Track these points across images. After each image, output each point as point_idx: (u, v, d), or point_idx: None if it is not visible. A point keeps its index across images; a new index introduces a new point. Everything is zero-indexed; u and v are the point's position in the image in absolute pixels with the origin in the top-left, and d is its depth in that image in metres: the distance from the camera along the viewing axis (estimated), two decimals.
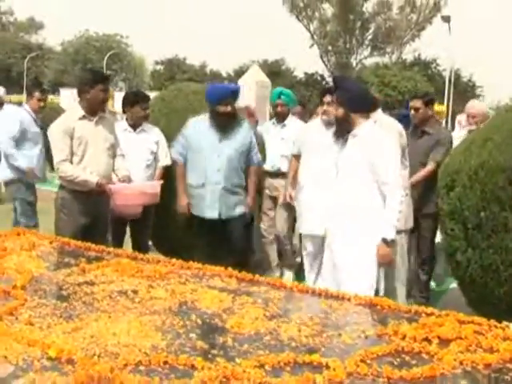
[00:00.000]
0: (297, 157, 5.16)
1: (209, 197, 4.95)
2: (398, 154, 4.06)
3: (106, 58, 51.78)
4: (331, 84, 4.93)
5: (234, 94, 5.03)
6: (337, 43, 55.99)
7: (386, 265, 3.91)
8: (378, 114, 4.92)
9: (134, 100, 5.51)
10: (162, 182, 5.10)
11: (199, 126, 5.07)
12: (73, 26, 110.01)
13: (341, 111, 4.00)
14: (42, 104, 6.62)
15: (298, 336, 2.48)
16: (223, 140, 4.98)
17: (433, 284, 6.20)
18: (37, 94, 6.63)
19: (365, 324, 2.70)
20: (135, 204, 4.92)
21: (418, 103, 5.67)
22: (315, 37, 55.86)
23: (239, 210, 5.08)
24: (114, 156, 4.83)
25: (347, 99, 3.98)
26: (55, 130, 4.66)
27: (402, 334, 2.53)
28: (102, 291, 2.97)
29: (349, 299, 3.03)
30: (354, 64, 55.76)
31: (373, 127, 4.00)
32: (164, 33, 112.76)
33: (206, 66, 62.82)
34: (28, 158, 6.47)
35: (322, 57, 55.76)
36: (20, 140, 6.43)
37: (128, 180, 4.80)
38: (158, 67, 63.60)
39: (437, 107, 6.42)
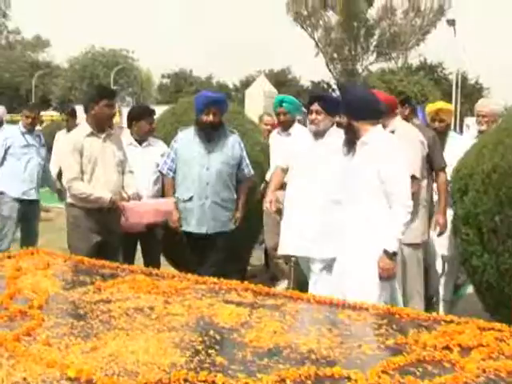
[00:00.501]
0: (284, 170, 4.82)
1: (197, 211, 4.91)
2: (408, 163, 3.95)
3: (112, 73, 52.04)
4: (318, 92, 4.97)
5: (217, 103, 4.94)
6: (342, 50, 55.99)
7: (387, 277, 3.75)
8: (397, 122, 4.84)
9: (139, 114, 5.52)
10: (174, 199, 5.00)
11: (187, 138, 5.05)
12: (79, 43, 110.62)
13: (344, 120, 3.98)
14: (29, 121, 6.63)
15: (317, 348, 2.46)
16: (211, 152, 4.94)
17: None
18: (24, 112, 6.73)
19: (384, 334, 2.67)
20: (148, 222, 4.88)
21: None
22: (320, 45, 55.90)
23: (229, 225, 5.04)
24: (123, 172, 4.82)
25: (348, 107, 3.94)
26: (64, 148, 4.66)
27: (422, 343, 2.51)
28: (119, 308, 2.96)
29: (367, 309, 3.01)
30: (360, 70, 55.72)
31: (381, 134, 3.90)
32: (170, 46, 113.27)
33: (213, 77, 62.97)
34: (7, 173, 6.51)
35: (327, 65, 55.78)
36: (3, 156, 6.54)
37: (138, 198, 4.76)
38: (165, 81, 63.81)
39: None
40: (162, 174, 5.23)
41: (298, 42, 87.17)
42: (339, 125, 4.78)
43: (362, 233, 3.76)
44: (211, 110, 4.87)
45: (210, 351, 2.42)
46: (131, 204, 4.64)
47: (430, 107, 5.97)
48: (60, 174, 6.92)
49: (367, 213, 3.76)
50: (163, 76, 64.15)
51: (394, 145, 3.86)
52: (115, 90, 5.09)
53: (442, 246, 5.34)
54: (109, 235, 4.69)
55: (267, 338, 2.56)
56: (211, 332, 2.64)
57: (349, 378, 2.16)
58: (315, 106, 4.56)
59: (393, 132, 4.54)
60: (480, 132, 5.77)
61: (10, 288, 3.25)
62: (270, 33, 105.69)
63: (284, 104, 5.98)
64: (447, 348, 2.47)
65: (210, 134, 4.94)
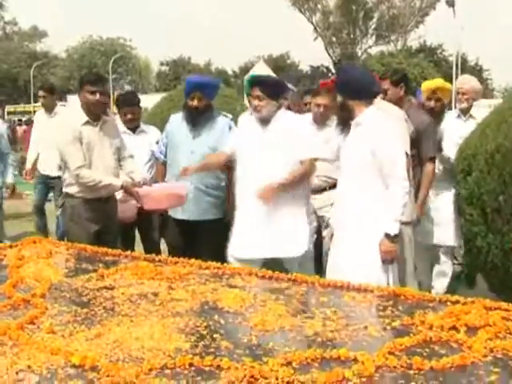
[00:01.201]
0: (224, 153, 4.56)
1: None
2: (403, 143, 3.92)
3: (111, 61, 51.87)
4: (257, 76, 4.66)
5: (201, 87, 4.86)
6: (341, 34, 55.81)
7: (390, 261, 3.68)
8: (377, 101, 4.73)
9: (121, 102, 5.57)
10: (188, 183, 4.73)
11: (176, 122, 5.01)
12: (76, 32, 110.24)
13: (339, 99, 3.86)
14: None
15: (323, 331, 2.45)
16: (196, 137, 4.87)
17: None
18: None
19: (390, 315, 2.65)
20: (164, 207, 4.78)
21: (385, 84, 5.01)
22: (319, 29, 55.70)
23: (213, 213, 4.88)
24: (119, 160, 4.76)
25: (344, 85, 3.83)
26: (64, 138, 4.60)
27: (428, 324, 2.49)
28: (122, 295, 2.95)
29: (372, 291, 2.99)
30: (360, 54, 55.53)
31: (376, 115, 3.79)
32: (167, 34, 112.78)
33: (211, 64, 62.75)
34: None
35: (326, 49, 55.61)
36: None
37: (148, 183, 4.69)
38: (164, 68, 63.64)
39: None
40: (156, 159, 5.24)
41: (296, 26, 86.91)
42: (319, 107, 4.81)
43: (359, 214, 3.69)
44: (196, 94, 4.81)
45: (214, 336, 2.40)
46: (146, 190, 4.53)
47: (426, 85, 5.48)
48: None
49: (363, 193, 3.69)
50: (162, 63, 63.98)
51: (390, 125, 3.78)
52: (99, 75, 4.80)
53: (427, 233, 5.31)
54: (107, 223, 4.66)
55: (272, 321, 2.54)
56: (216, 316, 2.63)
57: (355, 360, 2.14)
58: (256, 92, 4.28)
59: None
60: (461, 110, 5.53)
61: (12, 277, 3.25)
62: (268, 18, 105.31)
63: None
64: (454, 328, 2.45)
65: (196, 119, 4.87)
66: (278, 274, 3.28)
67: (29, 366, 2.11)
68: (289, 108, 5.09)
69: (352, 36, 55.85)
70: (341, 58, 53.69)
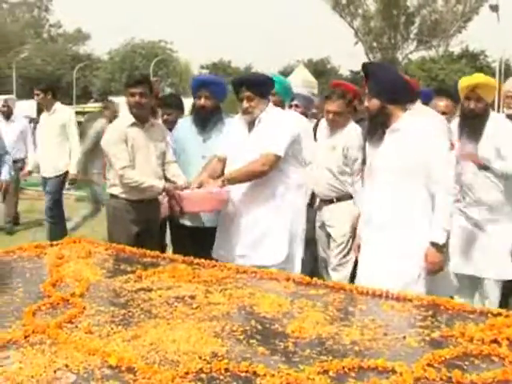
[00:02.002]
0: (220, 160, 4.40)
1: None
2: (448, 149, 3.77)
3: (152, 64, 52.45)
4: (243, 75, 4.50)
5: (207, 85, 4.75)
6: (381, 39, 55.43)
7: (436, 272, 3.53)
8: (418, 106, 4.54)
9: (159, 104, 5.58)
10: (229, 188, 4.49)
11: (185, 126, 4.93)
12: (118, 35, 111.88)
13: (376, 103, 3.58)
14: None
15: (361, 340, 2.41)
16: (207, 140, 4.78)
17: None
18: None
19: (429, 326, 2.60)
20: (203, 211, 4.66)
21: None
22: (359, 34, 55.41)
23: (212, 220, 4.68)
24: (163, 164, 4.76)
25: (383, 88, 3.56)
26: (110, 139, 4.65)
27: (469, 336, 2.43)
28: (160, 297, 2.95)
29: (410, 300, 2.94)
30: (400, 59, 55.04)
31: (416, 120, 3.63)
32: (208, 37, 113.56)
33: (251, 68, 62.88)
34: None
35: (367, 54, 55.24)
36: None
37: (191, 186, 4.53)
38: (204, 71, 64.05)
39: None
40: None
41: (336, 31, 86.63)
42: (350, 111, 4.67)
43: (402, 223, 3.55)
44: (202, 93, 4.72)
45: (251, 341, 2.39)
46: (186, 193, 4.47)
47: (465, 81, 4.50)
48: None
49: (405, 202, 3.53)
50: (202, 67, 64.49)
51: (435, 130, 3.64)
52: (140, 77, 4.72)
53: None
54: (149, 226, 4.70)
55: (309, 328, 2.51)
56: (252, 322, 2.61)
57: (393, 371, 2.10)
58: (245, 93, 4.07)
59: None
60: (508, 116, 5.09)
61: (52, 276, 3.28)
62: (308, 22, 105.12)
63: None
64: (495, 341, 2.38)
65: (205, 120, 4.77)
66: (316, 281, 3.25)
67: (66, 365, 2.12)
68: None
69: (393, 41, 55.40)
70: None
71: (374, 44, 55.67)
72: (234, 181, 4.08)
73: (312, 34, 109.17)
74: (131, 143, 4.56)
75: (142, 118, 4.64)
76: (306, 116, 5.46)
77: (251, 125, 4.17)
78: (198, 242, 4.63)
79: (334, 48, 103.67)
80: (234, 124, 4.39)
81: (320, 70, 52.17)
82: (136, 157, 4.58)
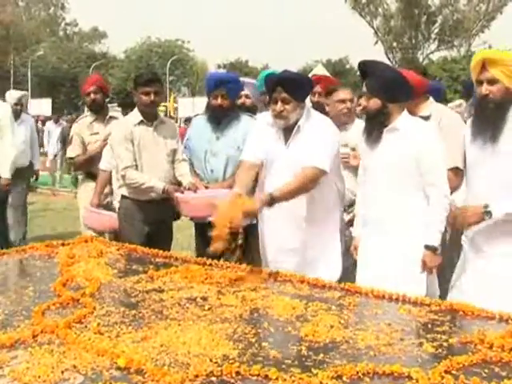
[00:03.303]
0: (251, 167, 3.89)
1: None
2: (450, 151, 3.58)
3: (168, 63, 52.69)
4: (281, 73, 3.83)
5: (224, 83, 4.64)
6: (402, 39, 55.20)
7: (431, 273, 3.50)
8: (433, 105, 4.29)
9: None
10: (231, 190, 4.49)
11: (199, 124, 4.86)
12: (135, 34, 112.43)
13: (376, 102, 3.49)
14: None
15: (376, 345, 2.38)
16: (221, 138, 4.71)
17: None
18: None
19: (447, 331, 2.56)
20: (203, 215, 4.39)
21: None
22: (379, 33, 55.23)
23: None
24: (173, 162, 4.75)
25: (384, 87, 3.47)
26: (116, 137, 4.66)
27: (488, 343, 2.38)
28: (171, 298, 2.94)
29: (428, 304, 2.90)
30: (421, 59, 54.74)
31: (415, 120, 3.58)
32: (226, 36, 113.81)
33: (269, 68, 62.91)
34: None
35: (386, 53, 55.06)
36: None
37: (194, 188, 4.56)
38: (221, 71, 64.26)
39: None
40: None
41: (356, 30, 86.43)
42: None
43: (396, 224, 3.51)
44: (219, 92, 4.63)
45: (263, 344, 2.37)
46: (186, 196, 4.46)
47: (473, 59, 3.40)
48: None
49: (403, 204, 3.49)
50: (219, 66, 64.61)
51: (433, 132, 3.55)
52: (152, 75, 4.80)
53: None
54: (160, 226, 4.70)
55: (323, 332, 2.49)
56: (265, 324, 2.59)
57: (409, 377, 2.07)
58: (281, 94, 3.69)
59: (428, 118, 4.14)
60: None
61: (63, 275, 3.29)
62: (327, 22, 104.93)
63: None
64: None
65: (220, 118, 4.70)
66: (331, 283, 3.22)
67: (74, 366, 2.12)
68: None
69: (413, 41, 55.16)
70: (401, 64, 53.00)
71: (394, 44, 55.45)
72: (282, 199, 3.60)
73: (331, 33, 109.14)
74: (138, 142, 4.57)
75: (151, 116, 4.65)
76: (257, 108, 5.10)
77: (287, 132, 3.79)
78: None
79: (353, 48, 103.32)
80: (260, 125, 3.98)
81: (339, 70, 52.08)
82: (143, 156, 4.59)
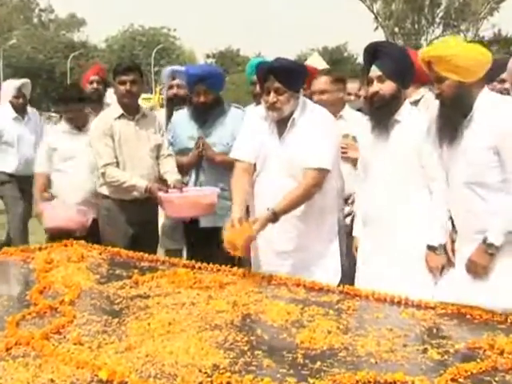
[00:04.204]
0: (246, 169, 3.84)
1: None
2: None
3: (153, 53, 52.69)
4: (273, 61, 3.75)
5: (204, 80, 4.58)
6: (404, 24, 55.23)
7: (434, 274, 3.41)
8: (424, 92, 4.36)
9: None
10: (218, 190, 4.50)
11: (182, 121, 4.82)
12: (117, 21, 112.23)
13: (391, 86, 3.40)
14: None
15: (377, 351, 2.39)
16: (208, 136, 4.67)
17: None
18: None
19: (454, 336, 2.58)
20: (188, 216, 4.53)
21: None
22: (380, 18, 55.27)
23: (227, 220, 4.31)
24: (157, 157, 4.73)
25: (401, 69, 3.40)
26: (94, 132, 4.65)
27: (499, 349, 2.40)
28: (157, 305, 2.94)
29: (433, 308, 2.92)
30: (425, 45, 54.82)
31: (413, 110, 3.57)
32: (215, 23, 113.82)
33: (262, 57, 62.91)
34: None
35: (387, 40, 55.14)
36: None
37: (180, 186, 4.53)
38: (210, 61, 64.26)
39: None
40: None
41: (355, 15, 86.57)
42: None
43: (398, 223, 3.48)
44: (200, 88, 4.60)
45: (256, 352, 2.38)
46: (170, 195, 4.42)
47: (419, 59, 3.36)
48: None
49: (404, 202, 3.46)
50: (208, 56, 64.74)
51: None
52: (132, 64, 4.86)
53: None
54: (146, 227, 4.69)
55: (321, 338, 2.50)
56: (258, 331, 2.60)
57: None
58: (273, 83, 3.64)
59: (417, 102, 4.14)
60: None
61: (39, 282, 3.29)
62: (324, 6, 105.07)
63: None
64: None
65: (205, 116, 4.68)
66: (329, 286, 3.23)
67: (52, 380, 2.11)
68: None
69: (416, 26, 55.20)
70: None
71: (396, 29, 55.45)
72: (286, 211, 3.59)
73: (328, 19, 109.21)
74: (118, 137, 4.55)
75: (131, 108, 4.63)
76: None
77: (281, 125, 3.75)
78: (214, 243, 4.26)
79: (351, 34, 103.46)
80: (251, 119, 3.97)
81: (336, 58, 52.17)
82: (124, 152, 4.57)
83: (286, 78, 3.64)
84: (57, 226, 4.61)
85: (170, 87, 5.37)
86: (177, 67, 5.60)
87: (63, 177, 4.94)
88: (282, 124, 3.74)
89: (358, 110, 4.82)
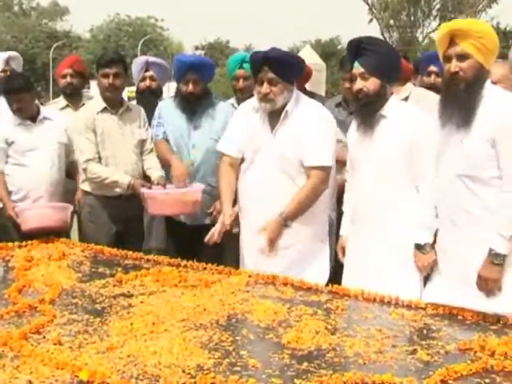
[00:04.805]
0: (233, 164, 3.90)
1: None
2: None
3: (140, 44, 52.49)
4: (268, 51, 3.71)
5: (195, 68, 4.52)
6: (400, 16, 55.26)
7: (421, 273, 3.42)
8: (409, 86, 4.45)
9: None
10: (203, 187, 4.47)
11: (169, 111, 4.71)
12: (101, 10, 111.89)
13: (375, 82, 3.42)
14: None
15: (365, 352, 2.41)
16: (197, 128, 4.61)
17: None
18: None
19: (444, 337, 2.61)
20: (172, 214, 4.52)
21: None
22: (374, 10, 55.30)
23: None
24: (141, 153, 4.71)
25: (386, 65, 3.42)
26: (76, 127, 4.63)
27: (489, 350, 2.43)
28: (141, 304, 2.96)
29: (424, 308, 2.95)
30: (421, 39, 54.95)
31: (401, 104, 3.59)
32: (203, 14, 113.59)
33: (252, 49, 62.83)
34: None
35: (382, 33, 55.01)
36: None
37: (163, 183, 4.49)
38: (199, 52, 64.09)
39: None
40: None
41: (349, 7, 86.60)
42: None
43: (387, 220, 3.48)
44: (190, 77, 4.53)
45: (241, 352, 2.39)
46: (153, 192, 4.40)
47: (439, 31, 3.26)
48: None
49: (396, 199, 3.48)
50: (197, 48, 64.54)
51: (424, 118, 3.47)
52: (115, 55, 4.76)
53: None
54: (130, 224, 4.68)
55: (308, 339, 2.52)
56: (244, 331, 2.62)
57: None
58: (267, 74, 3.64)
59: (406, 99, 4.19)
60: None
61: (19, 280, 3.29)
62: None
63: (246, 65, 4.85)
64: None
65: (193, 107, 4.61)
66: (317, 286, 3.25)
67: (30, 382, 2.12)
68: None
69: (412, 18, 55.24)
70: (398, 44, 53.16)
71: (391, 22, 55.46)
72: (296, 214, 3.67)
73: (321, 10, 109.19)
74: (101, 131, 4.54)
75: (114, 102, 4.61)
76: (161, 91, 5.04)
77: (274, 118, 3.74)
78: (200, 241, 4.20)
79: (345, 27, 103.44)
80: (242, 110, 3.97)
81: (329, 51, 52.16)
82: (107, 147, 4.54)
83: (280, 68, 3.64)
84: (36, 227, 4.52)
85: (143, 79, 5.28)
86: (153, 58, 5.55)
87: (23, 171, 4.72)
88: (275, 116, 3.73)
89: None
